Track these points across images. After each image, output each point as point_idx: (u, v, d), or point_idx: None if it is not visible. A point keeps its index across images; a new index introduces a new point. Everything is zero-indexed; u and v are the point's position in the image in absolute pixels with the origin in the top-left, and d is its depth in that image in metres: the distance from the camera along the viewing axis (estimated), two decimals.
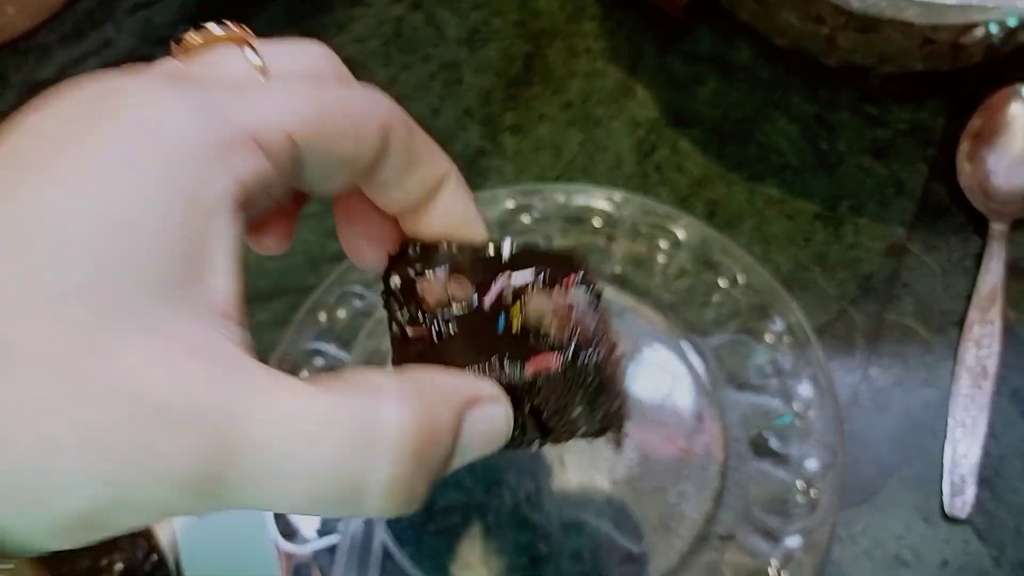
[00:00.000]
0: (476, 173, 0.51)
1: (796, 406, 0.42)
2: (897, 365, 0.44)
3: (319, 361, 0.45)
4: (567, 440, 0.25)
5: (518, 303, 0.23)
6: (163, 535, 0.38)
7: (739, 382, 0.44)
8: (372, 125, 0.20)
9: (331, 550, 0.37)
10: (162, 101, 0.17)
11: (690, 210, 0.49)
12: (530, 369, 0.22)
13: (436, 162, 0.23)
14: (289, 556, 0.36)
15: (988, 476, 0.41)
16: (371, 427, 0.16)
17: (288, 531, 0.37)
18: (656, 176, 0.51)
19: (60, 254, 0.15)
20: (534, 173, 0.51)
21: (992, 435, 0.42)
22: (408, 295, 0.24)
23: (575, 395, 0.23)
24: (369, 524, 0.36)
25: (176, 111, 0.17)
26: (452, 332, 0.23)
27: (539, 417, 0.23)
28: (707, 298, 0.46)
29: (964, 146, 0.49)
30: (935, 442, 0.42)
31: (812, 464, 0.40)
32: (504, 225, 0.48)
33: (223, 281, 0.17)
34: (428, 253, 0.24)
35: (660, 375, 0.44)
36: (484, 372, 0.21)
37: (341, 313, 0.46)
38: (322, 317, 0.46)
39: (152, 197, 0.16)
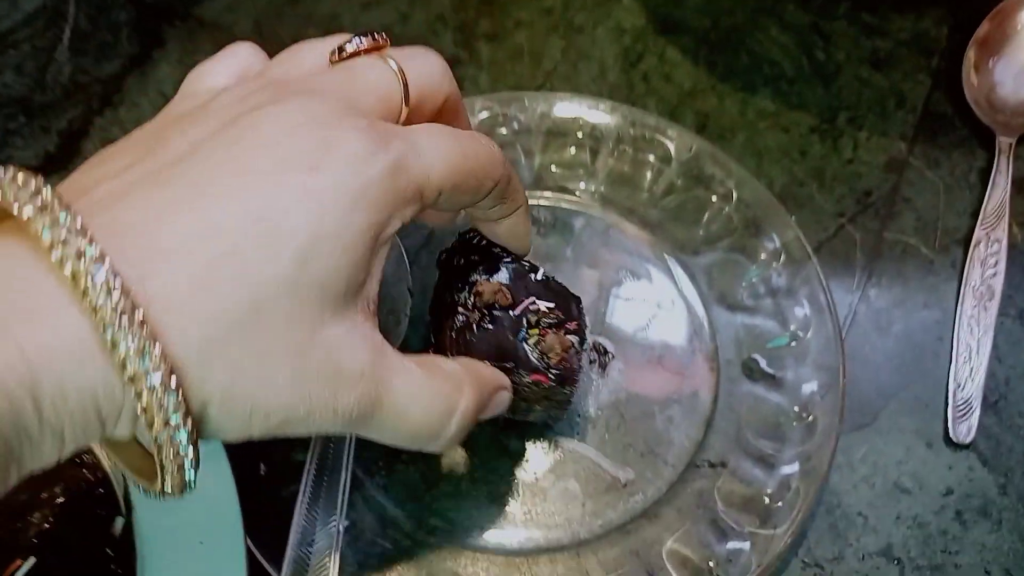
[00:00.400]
0: None
1: (792, 327, 0.39)
2: (897, 285, 0.42)
3: None
4: (522, 418, 0.36)
5: (537, 328, 0.33)
6: (109, 464, 0.35)
7: (731, 303, 0.41)
8: (490, 183, 0.27)
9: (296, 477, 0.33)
10: (370, 158, 0.22)
11: (679, 123, 0.45)
12: (530, 378, 0.32)
13: (518, 199, 0.30)
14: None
15: (994, 400, 0.39)
16: (453, 404, 0.25)
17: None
18: (643, 87, 0.47)
19: (302, 256, 0.20)
20: (512, 84, 0.48)
21: (997, 358, 0.39)
22: (465, 279, 0.34)
23: (545, 400, 0.34)
24: (337, 449, 0.33)
25: (379, 167, 0.22)
26: (491, 326, 0.33)
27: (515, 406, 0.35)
28: (697, 215, 0.43)
29: (970, 55, 0.46)
30: (937, 365, 0.39)
31: (809, 387, 0.38)
32: None
33: (374, 288, 0.24)
34: (486, 253, 0.35)
35: (647, 296, 0.42)
36: (506, 368, 0.32)
37: None
38: None
39: (358, 229, 0.22)
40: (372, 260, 0.23)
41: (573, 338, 0.34)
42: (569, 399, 0.35)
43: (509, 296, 0.34)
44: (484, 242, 0.35)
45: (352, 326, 0.22)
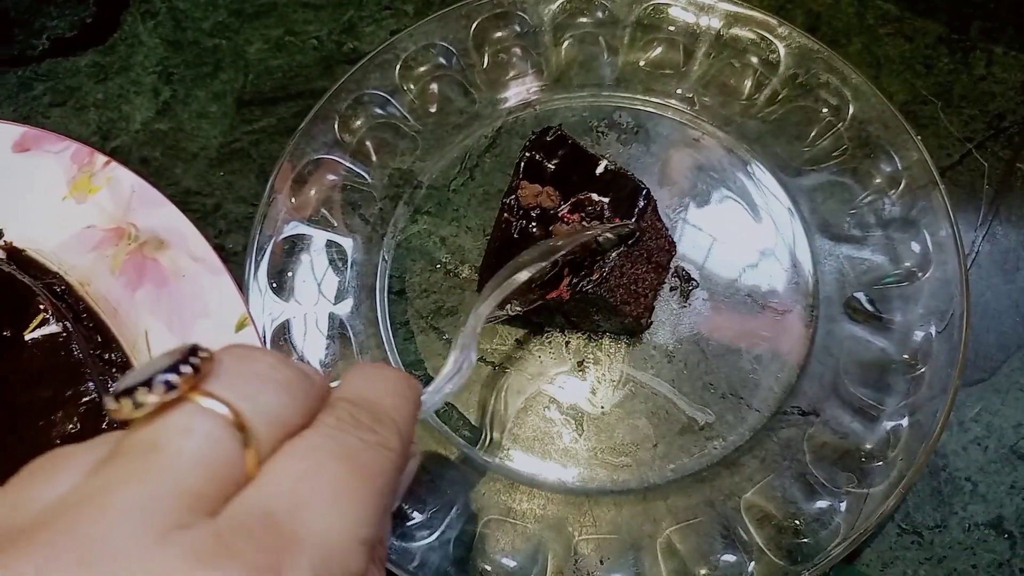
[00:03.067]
0: None
1: (906, 263, 0.34)
2: None
3: (330, 177, 0.37)
4: (596, 330, 0.35)
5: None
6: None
7: (835, 232, 0.36)
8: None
9: None
10: None
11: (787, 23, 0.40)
12: (548, 294, 0.32)
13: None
14: None
15: None
16: None
17: None
18: None
19: None
20: None
21: None
22: (516, 179, 0.33)
23: (588, 310, 0.33)
24: None
25: None
26: (528, 229, 0.33)
27: (568, 317, 0.34)
28: (803, 129, 0.38)
29: None
30: None
31: (920, 333, 0.33)
32: (559, 29, 0.40)
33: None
34: (553, 148, 0.34)
35: (739, 219, 0.37)
36: (521, 293, 0.31)
37: (357, 122, 0.38)
38: (335, 125, 0.38)
39: None
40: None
41: (607, 236, 0.31)
42: (619, 306, 0.32)
43: (555, 197, 0.33)
44: (558, 136, 0.34)
45: None
